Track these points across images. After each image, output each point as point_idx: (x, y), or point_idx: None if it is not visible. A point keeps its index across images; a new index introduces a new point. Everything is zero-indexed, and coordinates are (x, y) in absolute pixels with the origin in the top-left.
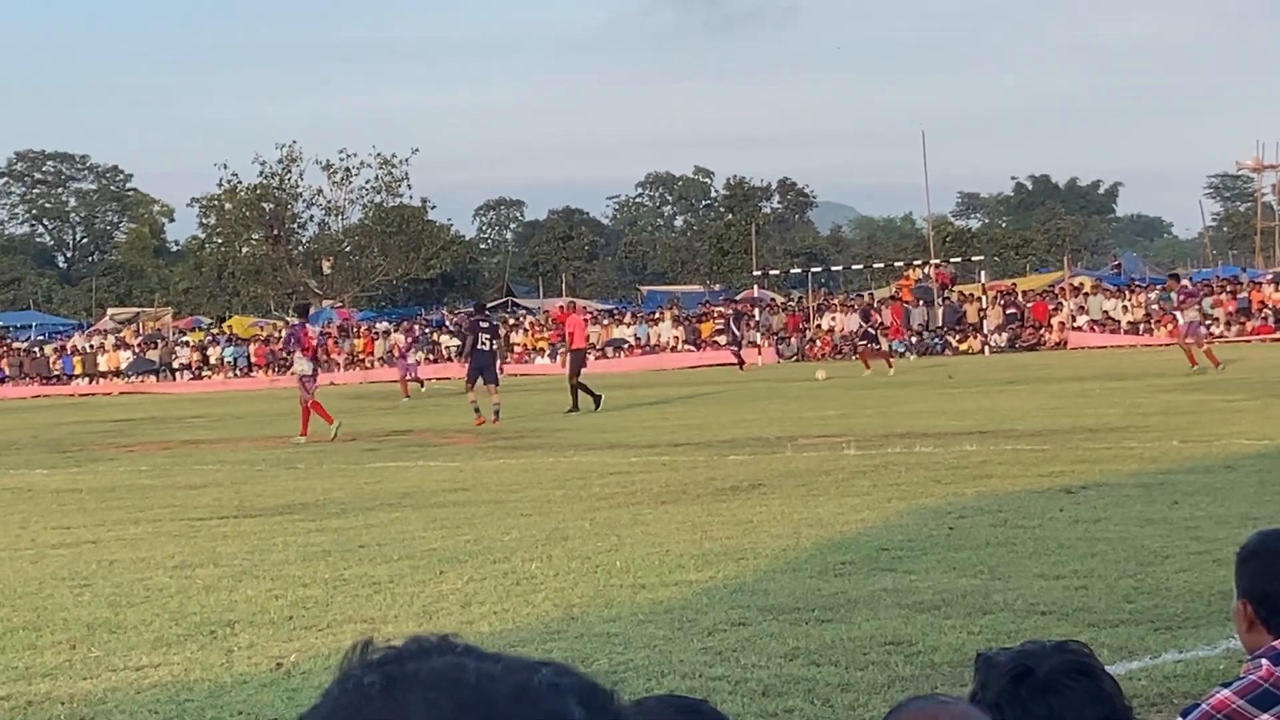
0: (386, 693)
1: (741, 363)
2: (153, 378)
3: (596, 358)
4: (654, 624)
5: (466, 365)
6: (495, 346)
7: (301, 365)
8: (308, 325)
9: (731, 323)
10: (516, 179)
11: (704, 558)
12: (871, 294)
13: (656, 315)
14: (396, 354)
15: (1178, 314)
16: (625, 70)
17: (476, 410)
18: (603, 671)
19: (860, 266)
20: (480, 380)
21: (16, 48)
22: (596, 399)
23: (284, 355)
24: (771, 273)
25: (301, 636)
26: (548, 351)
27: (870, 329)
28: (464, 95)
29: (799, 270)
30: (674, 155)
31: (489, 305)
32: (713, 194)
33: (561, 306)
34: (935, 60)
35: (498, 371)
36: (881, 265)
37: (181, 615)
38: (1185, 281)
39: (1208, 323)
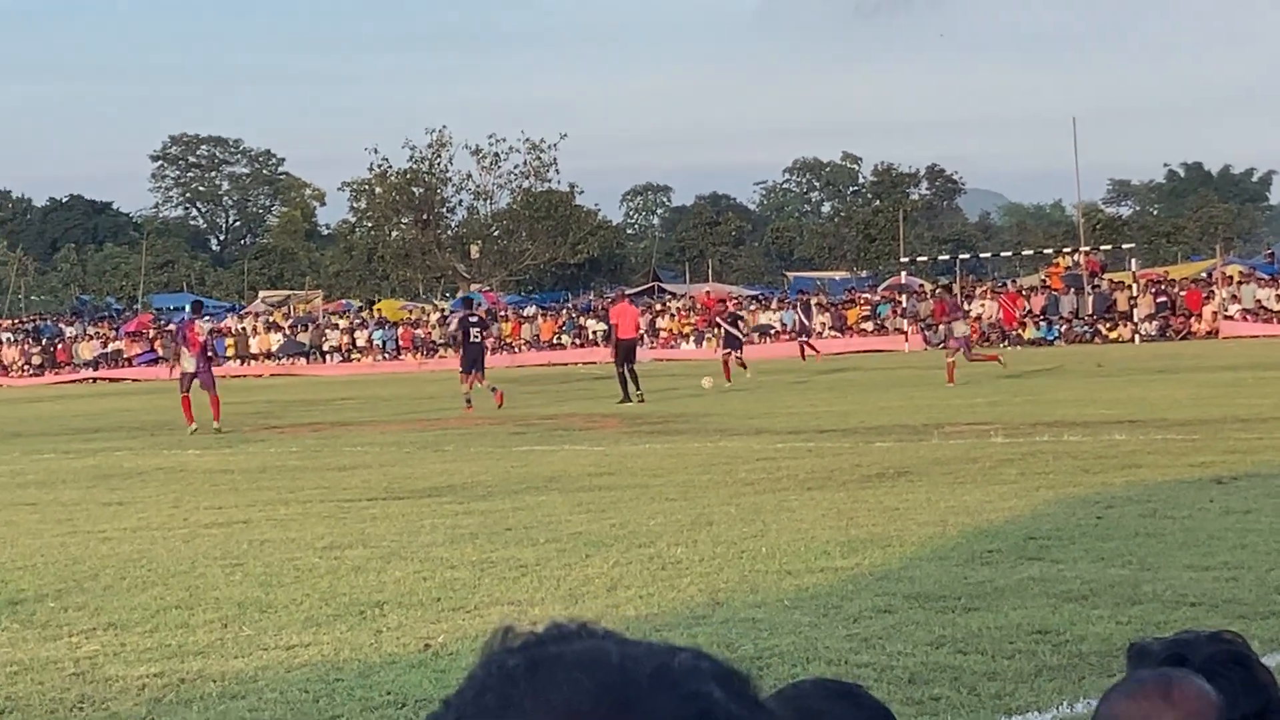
0: (530, 674)
1: (803, 352)
2: (303, 360)
3: (746, 343)
4: (799, 610)
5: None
6: (485, 339)
7: (186, 362)
8: (196, 321)
9: (800, 312)
10: (664, 164)
11: (849, 544)
12: (1015, 280)
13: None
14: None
15: None
16: (774, 55)
17: (469, 401)
18: (748, 657)
19: (1009, 254)
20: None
21: (173, 33)
22: (630, 396)
23: (174, 351)
24: (919, 259)
25: (449, 618)
26: (693, 337)
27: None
28: (613, 81)
29: (947, 257)
30: (822, 141)
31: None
32: (860, 180)
33: (613, 298)
34: (1087, 46)
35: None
36: (1030, 252)
37: (331, 596)
38: None
39: None
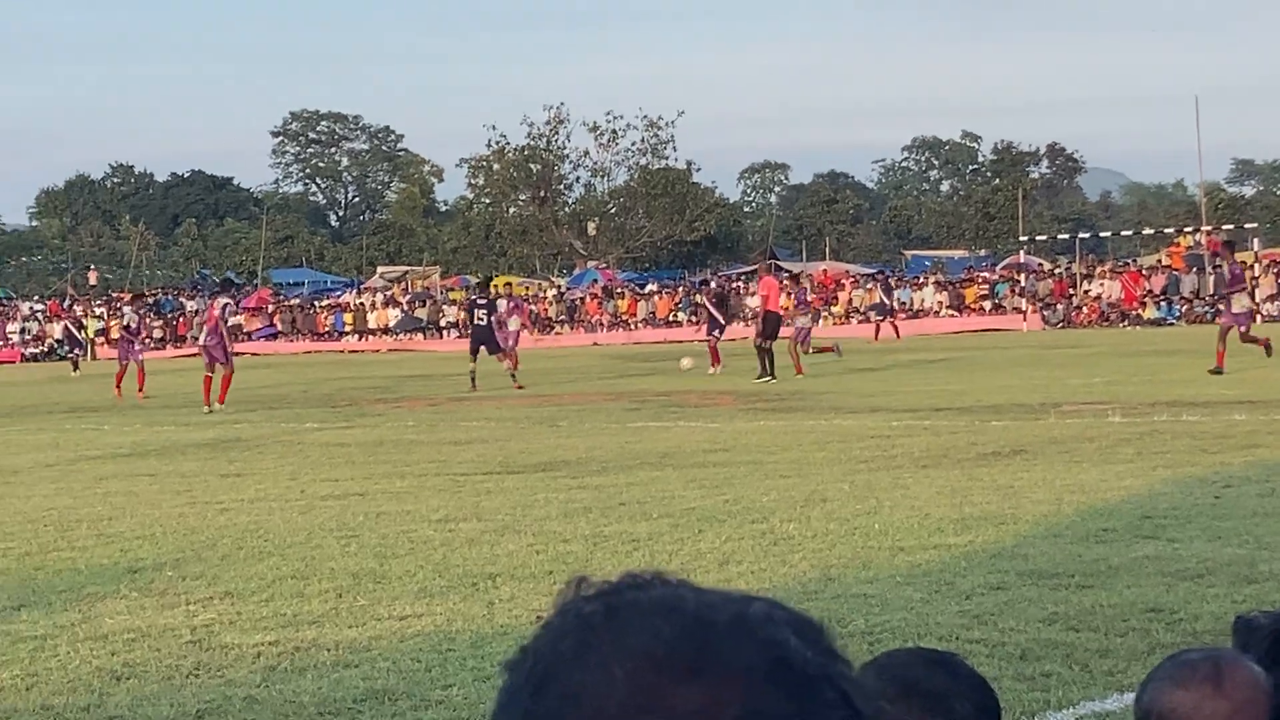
0: (608, 620)
1: (878, 332)
2: (420, 335)
3: (858, 322)
4: (912, 586)
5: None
6: (492, 321)
7: (205, 336)
8: (218, 298)
9: (881, 292)
10: (782, 142)
11: (963, 522)
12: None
13: (920, 280)
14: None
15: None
16: (894, 32)
17: (474, 381)
18: (859, 632)
19: (1129, 233)
20: (484, 351)
21: (295, 11)
22: (767, 374)
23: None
24: (1038, 238)
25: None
26: (811, 315)
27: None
28: (733, 58)
29: (1066, 236)
30: (941, 119)
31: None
32: (979, 159)
33: (759, 267)
34: (1211, 23)
35: (500, 342)
36: (1151, 232)
37: (445, 567)
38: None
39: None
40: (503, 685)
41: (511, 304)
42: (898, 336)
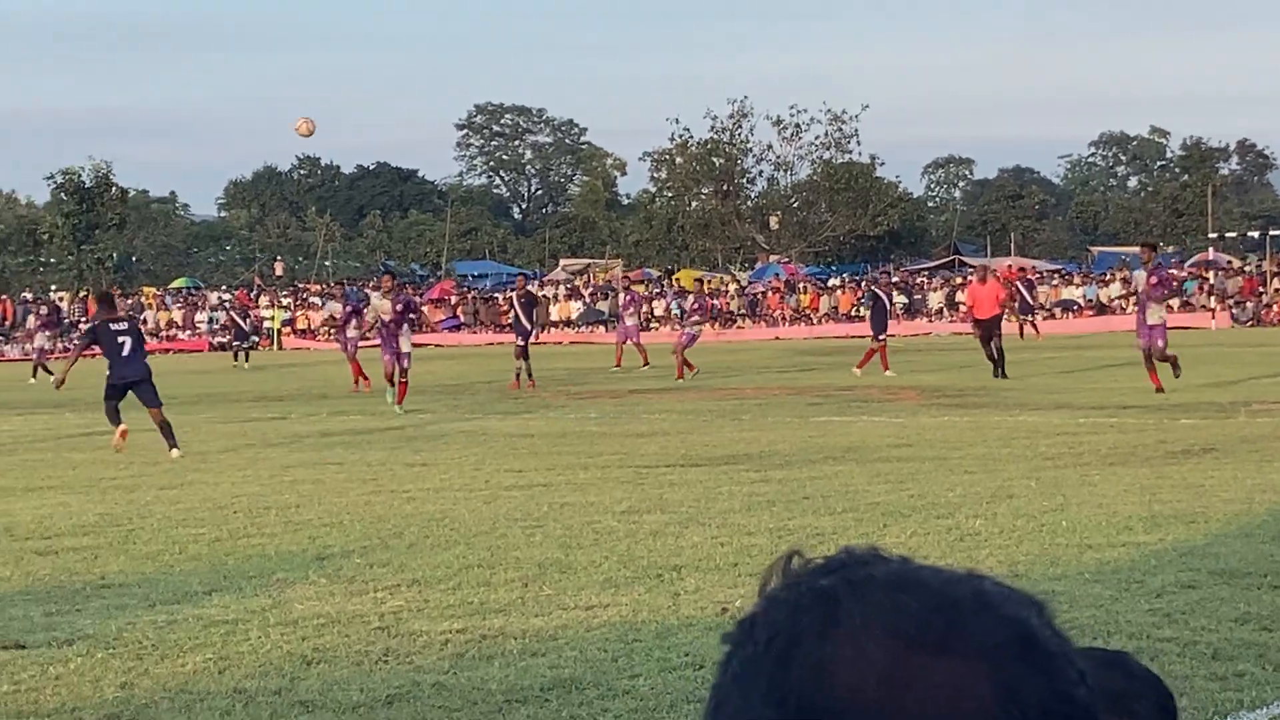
0: (851, 594)
1: (1022, 331)
2: (602, 328)
3: (1044, 318)
4: (1100, 584)
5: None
6: (532, 317)
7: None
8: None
9: (1022, 288)
10: (966, 137)
11: (1152, 520)
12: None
13: (1107, 276)
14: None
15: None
16: (1081, 26)
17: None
18: None
19: None
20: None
21: (479, 3)
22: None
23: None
24: (1228, 235)
25: (746, 583)
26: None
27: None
28: (916, 52)
29: (1256, 234)
30: (1129, 114)
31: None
32: (1168, 155)
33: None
34: None
35: (619, 335)
36: None
37: (629, 558)
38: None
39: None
40: (733, 656)
41: (629, 298)
42: (1037, 334)
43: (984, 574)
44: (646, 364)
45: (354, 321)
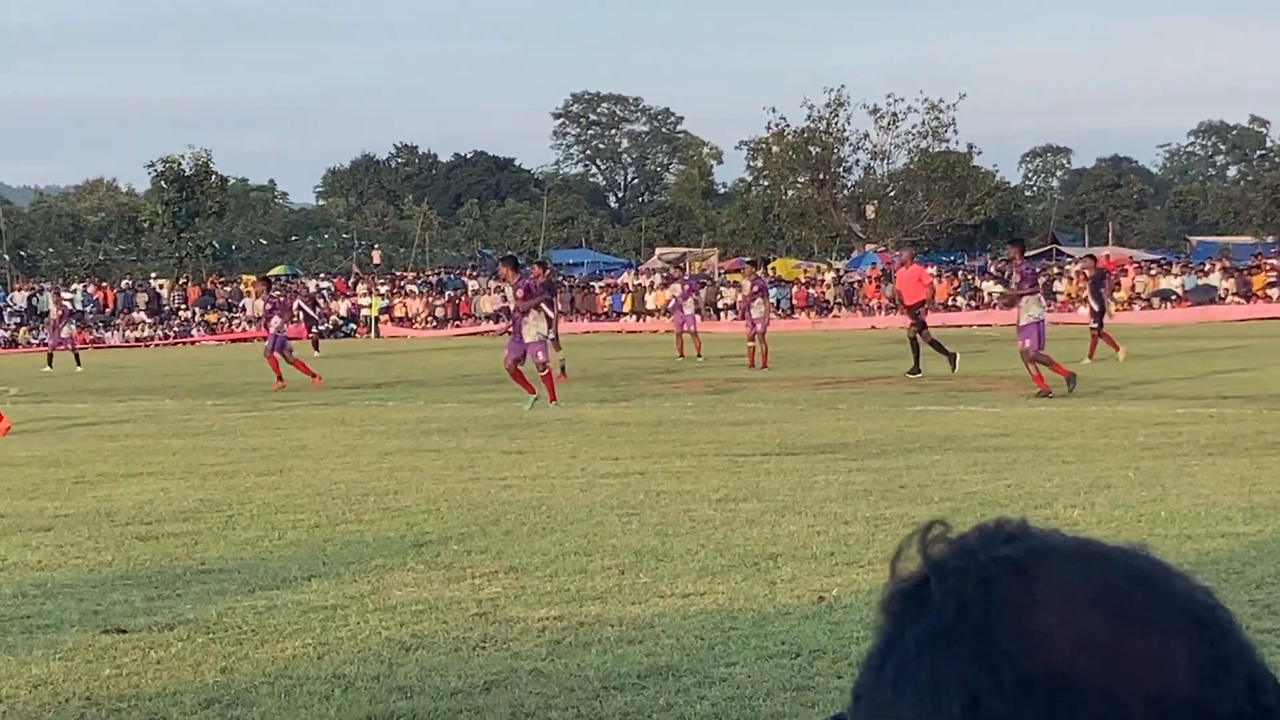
0: (1045, 564)
1: (1093, 348)
2: (697, 316)
3: (1141, 308)
4: (1200, 574)
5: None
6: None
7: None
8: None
9: (1093, 294)
10: (1064, 126)
11: (1252, 511)
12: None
13: (1206, 266)
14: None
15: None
16: (1179, 15)
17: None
18: None
19: None
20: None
21: None
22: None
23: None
24: None
25: (843, 572)
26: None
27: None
28: (1014, 41)
29: None
30: (1228, 103)
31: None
32: (1268, 144)
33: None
34: None
35: (675, 326)
36: None
37: (726, 547)
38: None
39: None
40: (906, 626)
41: (687, 287)
42: (1116, 351)
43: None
44: (700, 354)
45: (275, 320)
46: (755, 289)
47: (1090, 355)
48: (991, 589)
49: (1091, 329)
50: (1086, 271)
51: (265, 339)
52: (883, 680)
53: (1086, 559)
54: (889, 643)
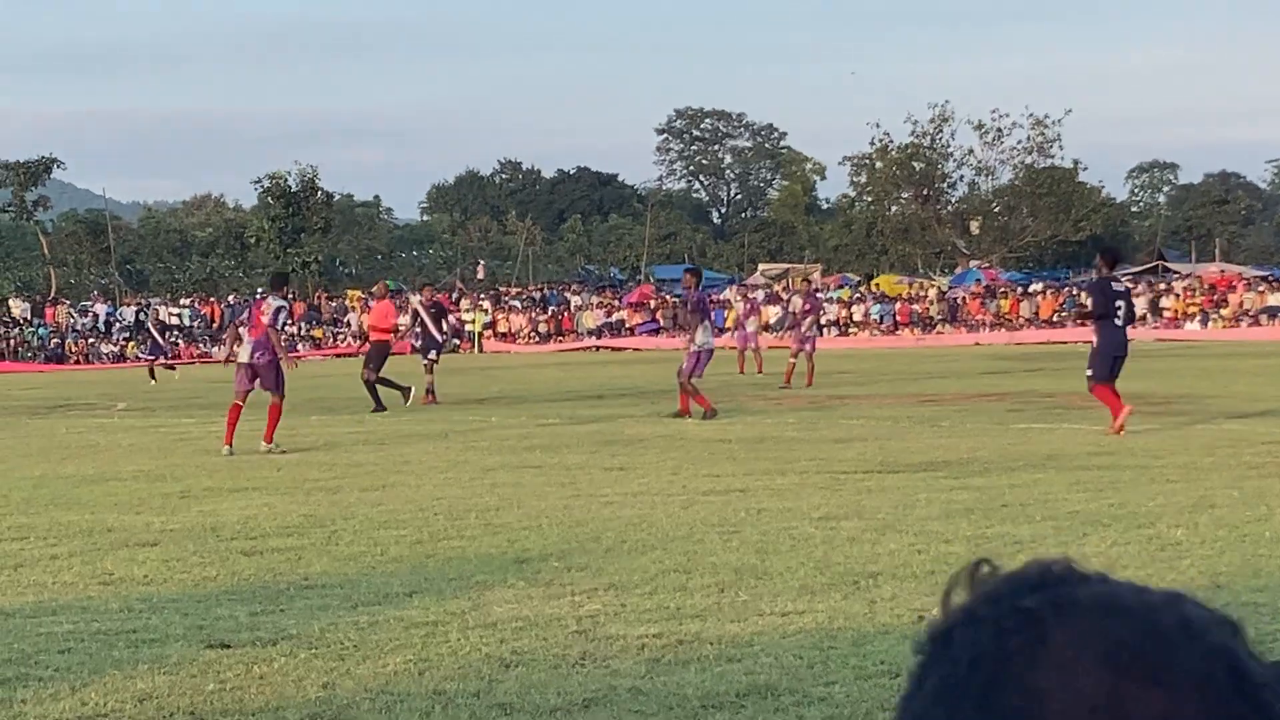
0: (1058, 619)
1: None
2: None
3: (1249, 325)
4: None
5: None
6: (442, 328)
7: (243, 350)
8: (268, 298)
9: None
10: (1171, 141)
11: None
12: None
13: None
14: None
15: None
16: None
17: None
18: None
19: None
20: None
21: (679, 7)
22: None
23: (233, 336)
24: None
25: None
26: (1198, 317)
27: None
28: (1119, 56)
29: None
30: None
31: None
32: None
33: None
34: None
35: (739, 343)
36: None
37: (826, 565)
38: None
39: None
40: (929, 672)
41: (748, 306)
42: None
43: (1183, 593)
44: (760, 371)
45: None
46: (808, 307)
47: None
48: (1005, 641)
49: None
50: None
51: (405, 351)
52: None
53: (1107, 612)
54: (914, 687)
